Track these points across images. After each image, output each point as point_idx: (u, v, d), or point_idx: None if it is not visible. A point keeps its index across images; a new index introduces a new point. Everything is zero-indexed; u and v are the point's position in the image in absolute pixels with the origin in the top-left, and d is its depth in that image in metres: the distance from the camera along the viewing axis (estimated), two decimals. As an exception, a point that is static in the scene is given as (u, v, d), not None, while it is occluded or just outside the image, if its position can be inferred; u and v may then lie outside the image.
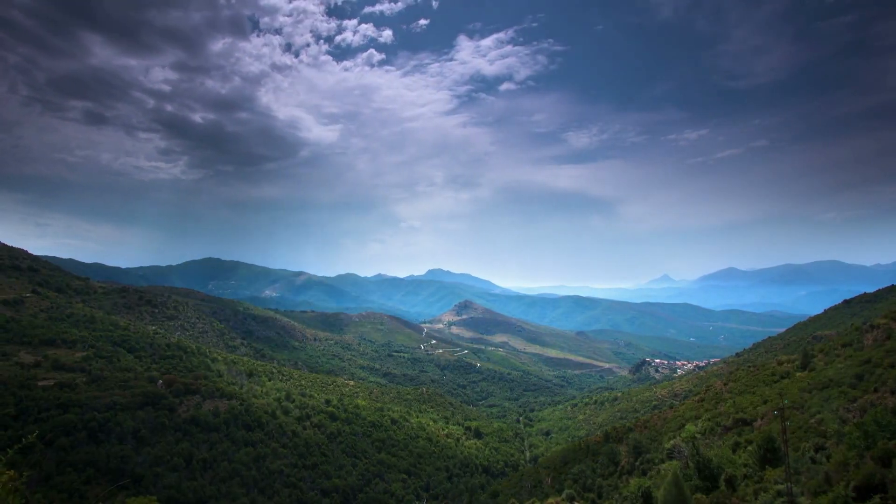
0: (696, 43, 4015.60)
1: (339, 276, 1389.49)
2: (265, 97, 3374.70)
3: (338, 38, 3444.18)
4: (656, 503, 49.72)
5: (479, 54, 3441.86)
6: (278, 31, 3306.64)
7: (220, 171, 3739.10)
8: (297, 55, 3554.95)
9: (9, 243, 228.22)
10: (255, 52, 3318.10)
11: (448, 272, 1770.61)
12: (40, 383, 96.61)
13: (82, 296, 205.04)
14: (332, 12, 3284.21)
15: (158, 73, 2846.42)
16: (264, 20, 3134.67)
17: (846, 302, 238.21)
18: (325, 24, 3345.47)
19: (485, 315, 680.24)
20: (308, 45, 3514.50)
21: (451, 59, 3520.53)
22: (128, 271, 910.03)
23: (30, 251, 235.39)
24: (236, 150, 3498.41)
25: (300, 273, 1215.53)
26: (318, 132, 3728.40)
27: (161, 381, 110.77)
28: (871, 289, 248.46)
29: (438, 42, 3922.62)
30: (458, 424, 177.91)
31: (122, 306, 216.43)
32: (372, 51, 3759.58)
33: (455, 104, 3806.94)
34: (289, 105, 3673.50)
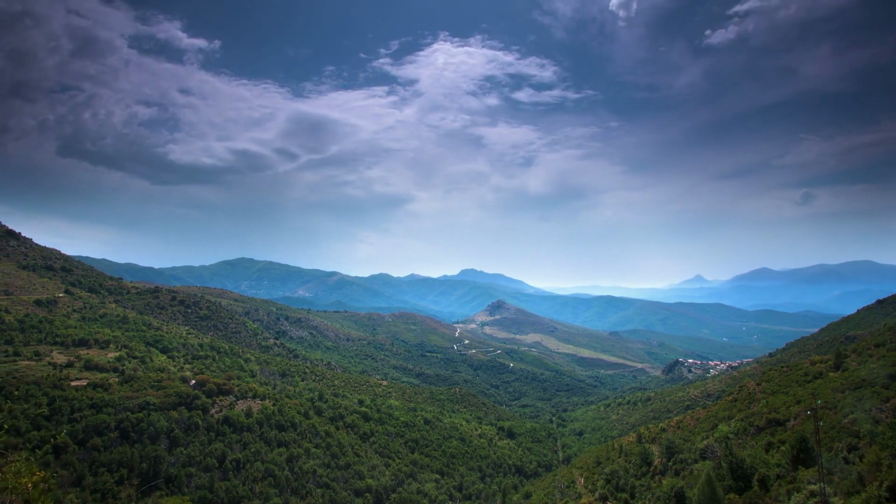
0: (602, 61, 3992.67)
1: (373, 277, 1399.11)
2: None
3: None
4: (690, 503, 49.10)
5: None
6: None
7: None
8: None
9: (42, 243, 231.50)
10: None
11: (481, 272, 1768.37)
12: (73, 383, 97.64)
13: (115, 296, 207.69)
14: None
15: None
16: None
17: (879, 302, 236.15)
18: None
19: (517, 315, 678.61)
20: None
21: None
22: (161, 271, 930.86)
23: (63, 251, 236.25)
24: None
25: (333, 273, 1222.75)
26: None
27: (194, 382, 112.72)
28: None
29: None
30: (491, 424, 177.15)
31: (155, 306, 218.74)
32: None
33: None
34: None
